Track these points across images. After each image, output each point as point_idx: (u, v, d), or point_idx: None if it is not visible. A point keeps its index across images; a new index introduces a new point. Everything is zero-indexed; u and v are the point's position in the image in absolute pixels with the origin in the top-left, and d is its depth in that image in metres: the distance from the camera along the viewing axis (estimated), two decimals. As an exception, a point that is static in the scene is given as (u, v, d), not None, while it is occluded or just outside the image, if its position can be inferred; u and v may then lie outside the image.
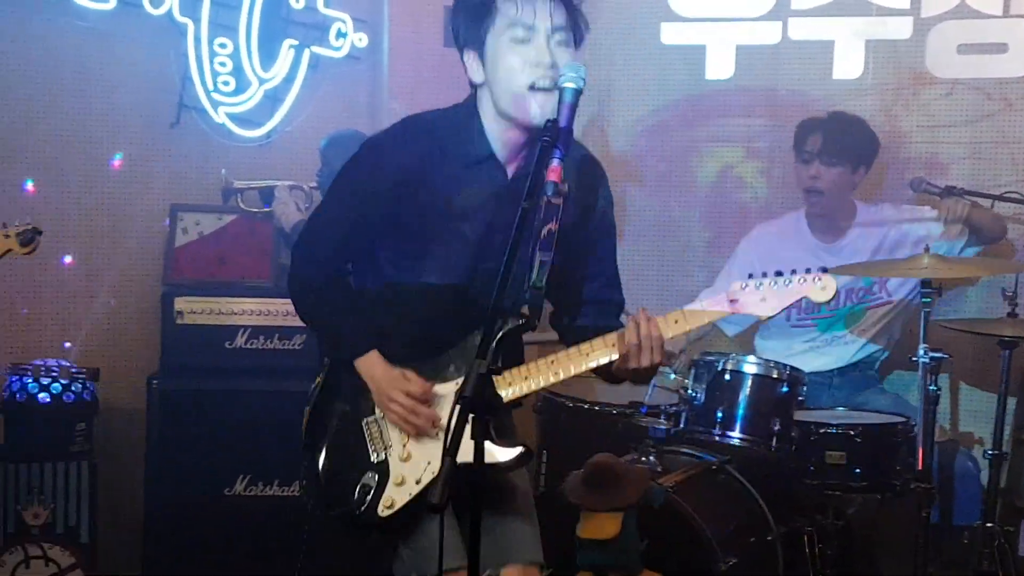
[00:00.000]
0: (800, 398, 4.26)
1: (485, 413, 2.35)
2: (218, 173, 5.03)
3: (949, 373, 5.13)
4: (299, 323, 4.68)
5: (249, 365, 4.86)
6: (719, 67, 5.51)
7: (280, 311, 4.89)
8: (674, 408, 4.33)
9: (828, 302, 2.94)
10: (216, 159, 5.14)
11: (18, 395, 4.66)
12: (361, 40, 5.40)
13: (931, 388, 4.07)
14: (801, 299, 2.86)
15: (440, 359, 2.99)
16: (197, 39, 5.09)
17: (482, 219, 2.97)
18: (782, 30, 5.43)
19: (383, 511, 2.93)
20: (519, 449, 2.88)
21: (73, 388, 4.70)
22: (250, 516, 4.81)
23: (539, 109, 2.83)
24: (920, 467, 4.06)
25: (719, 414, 4.21)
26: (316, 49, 5.32)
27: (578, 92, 2.64)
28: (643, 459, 4.22)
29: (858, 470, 4.25)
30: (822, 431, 4.27)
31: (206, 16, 5.09)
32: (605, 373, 2.95)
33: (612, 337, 2.86)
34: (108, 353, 5.14)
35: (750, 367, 4.24)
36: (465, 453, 2.36)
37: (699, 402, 4.24)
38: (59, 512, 4.65)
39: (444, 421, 2.85)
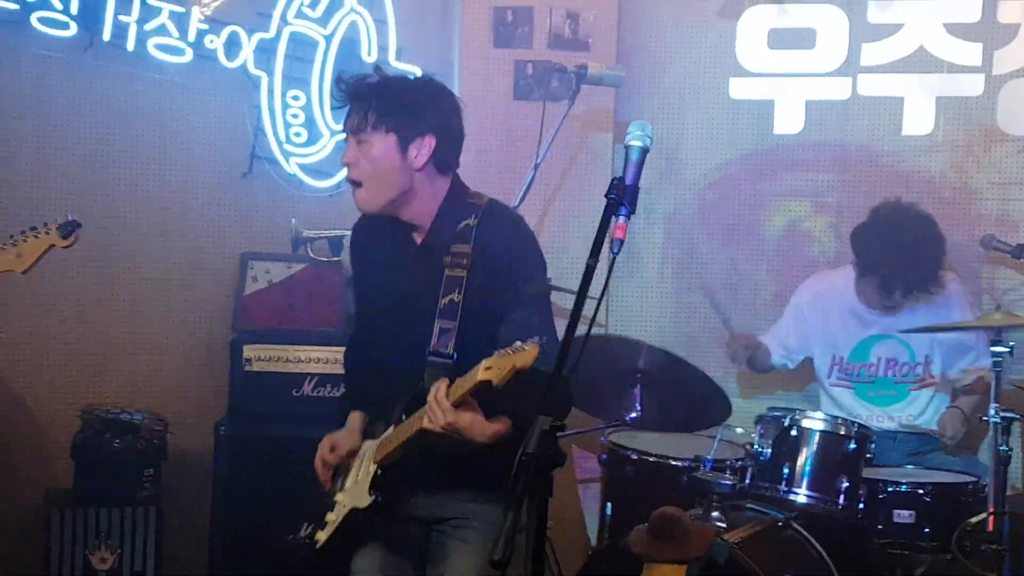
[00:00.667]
0: (868, 455, 4.21)
1: (548, 468, 2.35)
2: (288, 223, 5.10)
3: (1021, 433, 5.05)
4: None
5: (316, 412, 4.87)
6: (788, 122, 5.51)
7: (346, 360, 4.91)
8: (740, 463, 4.30)
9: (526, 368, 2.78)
10: (287, 209, 5.21)
11: (89, 441, 4.72)
12: (432, 93, 5.44)
13: (1002, 448, 4.01)
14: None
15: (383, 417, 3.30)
16: (271, 91, 5.19)
17: (394, 293, 3.30)
18: (852, 86, 5.42)
19: (316, 544, 3.35)
20: (370, 498, 3.19)
21: (142, 435, 4.75)
22: (315, 563, 4.81)
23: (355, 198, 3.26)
24: (991, 528, 3.99)
25: (785, 470, 4.17)
26: (388, 101, 5.37)
27: (644, 150, 2.65)
28: (708, 514, 4.18)
29: (927, 529, 4.18)
30: (890, 489, 4.21)
31: (279, 69, 5.19)
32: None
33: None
34: (177, 399, 5.21)
35: (817, 423, 4.20)
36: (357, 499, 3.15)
37: (765, 457, 4.21)
38: (126, 557, 4.69)
39: (352, 472, 3.31)
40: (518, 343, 2.78)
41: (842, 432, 4.18)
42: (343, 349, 4.80)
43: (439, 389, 2.93)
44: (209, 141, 5.24)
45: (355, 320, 3.58)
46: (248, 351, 4.90)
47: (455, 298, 3.11)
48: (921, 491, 4.20)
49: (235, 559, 4.80)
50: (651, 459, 4.54)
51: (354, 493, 3.26)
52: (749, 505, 4.35)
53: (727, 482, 4.21)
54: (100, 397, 5.03)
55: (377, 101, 3.16)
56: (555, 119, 4.93)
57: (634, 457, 4.56)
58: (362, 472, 3.26)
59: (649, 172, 5.45)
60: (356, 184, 3.22)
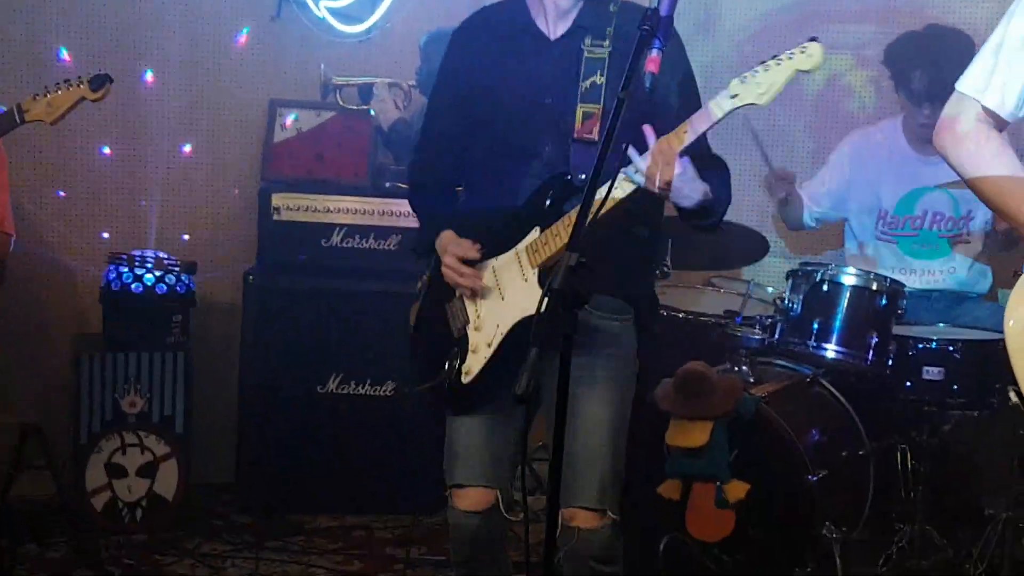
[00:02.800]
0: (899, 311, 4.14)
1: (574, 306, 2.31)
2: (318, 68, 5.02)
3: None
4: (395, 223, 4.78)
5: (344, 264, 4.87)
6: (831, -30, 5.35)
7: (376, 210, 4.88)
8: (770, 319, 4.26)
9: (815, 68, 2.84)
10: (316, 54, 5.13)
11: (114, 285, 4.72)
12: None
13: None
14: (794, 73, 2.81)
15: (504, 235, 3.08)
16: (301, -67, 5.07)
17: (516, 79, 3.06)
18: (897, -66, 5.25)
19: (465, 378, 3.06)
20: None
21: (168, 280, 4.74)
22: (341, 414, 4.85)
23: None
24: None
25: (815, 325, 4.11)
26: (419, -54, 5.27)
27: (681, -24, 2.55)
28: (736, 369, 4.17)
29: (956, 387, 4.13)
30: (920, 346, 4.15)
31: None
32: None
33: (638, 161, 2.83)
34: (206, 247, 5.20)
35: (849, 278, 4.13)
36: (530, 300, 2.67)
37: (795, 313, 4.15)
38: (155, 402, 4.72)
39: (486, 281, 3.05)
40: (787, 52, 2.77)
41: (874, 287, 4.11)
42: (372, 200, 4.86)
43: (664, 140, 2.79)
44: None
45: (446, 125, 3.21)
46: (277, 200, 4.86)
47: (597, 80, 2.97)
48: (951, 348, 4.14)
49: (263, 406, 4.84)
50: (680, 315, 4.52)
51: (514, 305, 2.99)
52: (778, 361, 4.34)
53: (756, 337, 4.20)
54: (129, 243, 5.02)
55: None
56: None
57: (664, 314, 4.53)
58: (512, 286, 3.02)
59: (686, 23, 5.33)
60: None
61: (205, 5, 5.12)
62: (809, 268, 4.21)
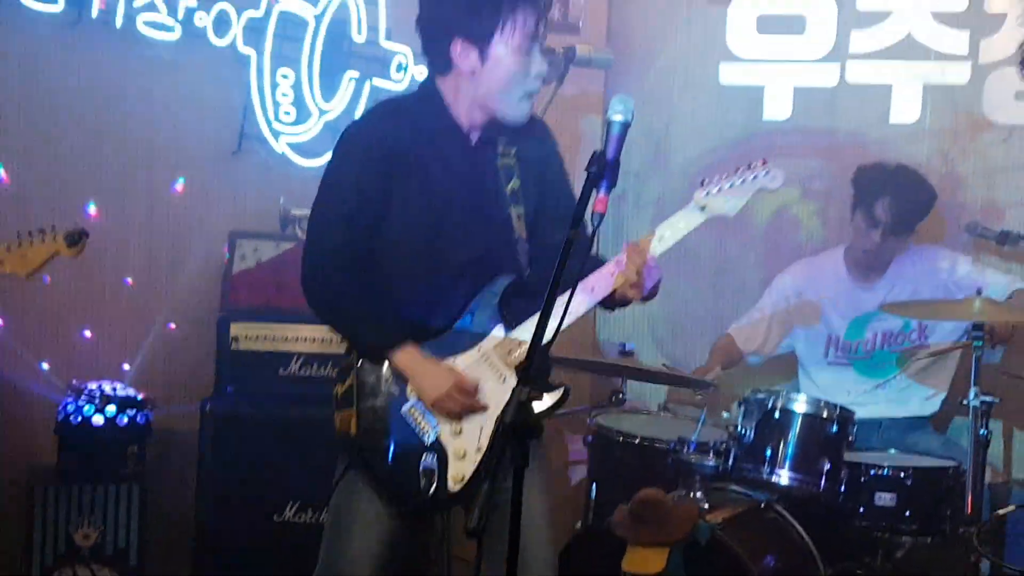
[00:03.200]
0: (850, 438, 4.22)
1: (526, 439, 2.36)
2: (277, 201, 5.09)
3: (1002, 419, 5.07)
4: None
5: (302, 392, 4.87)
6: (777, 108, 5.54)
7: (335, 339, 4.88)
8: (723, 445, 4.31)
9: (778, 189, 3.14)
10: (276, 187, 5.19)
11: (72, 417, 4.71)
12: (422, 73, 5.42)
13: (982, 432, 4.04)
14: (758, 190, 3.08)
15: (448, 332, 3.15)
16: (260, 70, 5.18)
17: (449, 184, 3.14)
18: (840, 73, 5.45)
19: (454, 486, 3.04)
20: (560, 391, 3.08)
21: (127, 412, 4.75)
22: (299, 542, 4.81)
23: (527, 111, 3.15)
24: (970, 511, 4.02)
25: (768, 452, 4.18)
26: (377, 82, 5.38)
27: (626, 125, 2.66)
28: (691, 495, 4.20)
29: (908, 512, 4.21)
30: (872, 472, 4.24)
31: (269, 47, 5.18)
32: (608, 301, 3.12)
33: (609, 267, 3.03)
34: (164, 376, 5.20)
35: (800, 406, 4.21)
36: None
37: (748, 439, 4.22)
38: (109, 534, 4.68)
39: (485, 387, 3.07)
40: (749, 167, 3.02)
41: (825, 414, 4.19)
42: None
43: (642, 248, 3.00)
44: (198, 119, 5.22)
45: (385, 226, 3.17)
46: (235, 329, 4.88)
47: (515, 184, 3.16)
48: (903, 474, 4.23)
49: (220, 538, 4.79)
50: (636, 440, 4.57)
51: (499, 405, 2.87)
52: (732, 487, 4.37)
53: (710, 464, 4.24)
54: (86, 373, 5.02)
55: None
56: (544, 100, 4.93)
57: (619, 439, 4.58)
58: (487, 388, 3.06)
59: (638, 157, 5.52)
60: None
61: (164, 138, 5.20)
62: (760, 396, 4.28)
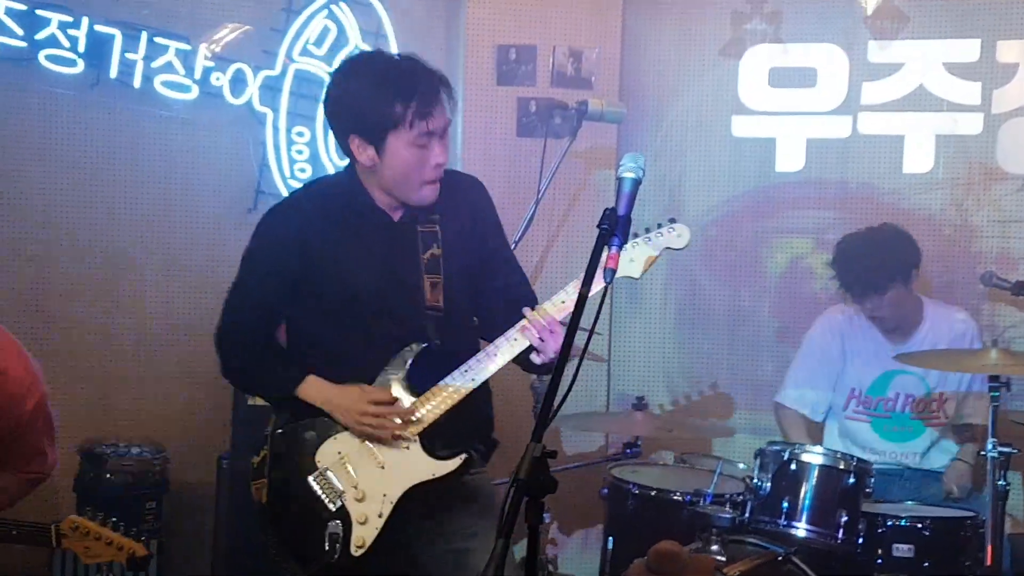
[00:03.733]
0: (868, 490, 4.20)
1: (540, 495, 2.36)
2: (292, 258, 5.12)
3: (1021, 470, 5.05)
4: None
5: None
6: (789, 160, 5.55)
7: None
8: (740, 497, 4.29)
9: (685, 248, 3.26)
10: (290, 244, 5.23)
11: (89, 475, 4.75)
12: (434, 130, 5.49)
13: (1000, 484, 4.02)
14: (662, 251, 3.20)
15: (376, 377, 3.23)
16: (275, 128, 5.25)
17: (366, 259, 3.24)
18: (852, 124, 5.47)
19: (356, 551, 3.14)
20: (460, 458, 3.17)
21: (143, 469, 4.77)
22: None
23: (431, 194, 3.23)
24: (989, 562, 3.99)
25: (785, 504, 4.17)
26: (392, 138, 5.42)
27: (637, 182, 2.67)
28: (708, 547, 4.17)
29: (926, 563, 4.18)
30: (890, 523, 4.20)
31: (285, 106, 5.25)
32: (523, 363, 3.22)
33: (513, 332, 3.14)
34: (180, 433, 5.23)
35: (816, 457, 4.19)
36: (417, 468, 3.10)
37: (765, 491, 4.20)
38: (129, 589, 4.69)
39: (385, 455, 3.16)
40: (660, 227, 3.21)
41: (841, 466, 4.17)
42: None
43: (542, 313, 3.10)
44: (214, 177, 5.29)
45: (270, 294, 3.31)
46: (251, 385, 4.90)
47: (435, 252, 3.25)
48: (920, 525, 4.20)
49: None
50: (652, 492, 4.56)
51: (401, 472, 3.15)
52: (749, 539, 4.34)
53: (727, 515, 4.20)
54: (103, 431, 5.05)
55: (447, 91, 3.23)
56: (557, 155, 4.98)
57: (635, 491, 4.57)
58: (389, 454, 3.16)
59: (652, 208, 5.54)
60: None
61: (180, 195, 5.27)
62: (776, 447, 4.27)
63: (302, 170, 5.29)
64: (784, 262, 5.58)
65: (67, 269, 5.11)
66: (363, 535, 3.14)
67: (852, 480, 4.16)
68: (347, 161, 3.33)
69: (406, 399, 3.20)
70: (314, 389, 3.22)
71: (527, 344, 3.14)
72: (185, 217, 5.28)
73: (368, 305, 3.24)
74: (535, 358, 3.17)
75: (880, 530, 4.20)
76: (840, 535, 4.12)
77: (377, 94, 3.13)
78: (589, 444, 5.34)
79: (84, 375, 5.15)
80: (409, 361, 3.21)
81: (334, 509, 3.17)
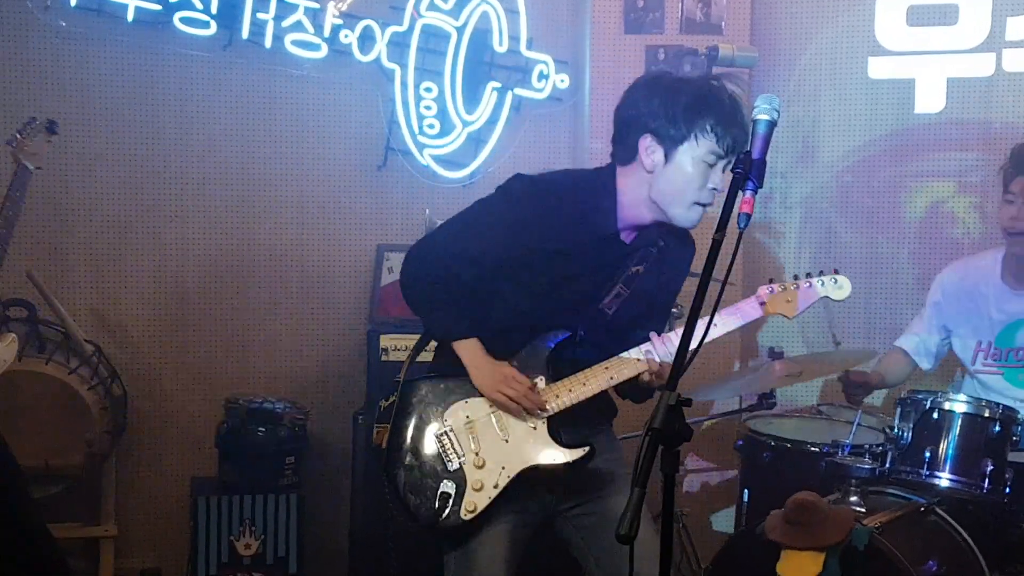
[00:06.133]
0: (1015, 438, 4.07)
1: (675, 444, 2.33)
2: (423, 214, 5.15)
3: None
4: None
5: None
6: (929, 100, 5.37)
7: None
8: (879, 447, 4.20)
9: (845, 299, 3.22)
10: (421, 200, 5.27)
11: (232, 431, 4.84)
12: (563, 81, 5.46)
13: None
14: (822, 298, 3.14)
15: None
16: (404, 84, 5.25)
17: (577, 267, 3.27)
18: (996, 62, 5.26)
19: (466, 515, 3.17)
20: (584, 450, 3.20)
21: (284, 424, 4.85)
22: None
23: (696, 220, 3.23)
24: None
25: (927, 454, 4.06)
26: (519, 91, 5.41)
27: (772, 124, 2.61)
28: (847, 499, 4.10)
29: (1079, 514, 4.04)
30: (1039, 473, 4.08)
31: (412, 62, 5.24)
32: (627, 389, 3.31)
33: (637, 353, 3.20)
34: (317, 389, 5.31)
35: (959, 405, 4.07)
36: (537, 450, 3.15)
37: (906, 441, 4.10)
38: (269, 543, 4.79)
39: (512, 430, 3.21)
40: (816, 277, 3.23)
41: (986, 414, 4.05)
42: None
43: (669, 342, 3.16)
44: (345, 135, 5.33)
45: (492, 257, 3.28)
46: (384, 341, 4.95)
47: (639, 269, 3.28)
48: (1071, 474, 4.06)
49: (375, 545, 4.86)
50: (788, 444, 4.49)
51: (522, 451, 3.20)
52: (890, 490, 4.25)
53: (866, 466, 4.13)
54: (242, 388, 5.15)
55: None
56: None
57: (771, 443, 4.51)
58: (517, 429, 3.20)
59: (785, 155, 5.41)
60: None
61: (312, 154, 5.32)
62: (919, 396, 4.16)
63: (431, 126, 5.29)
64: (924, 207, 5.42)
65: (202, 228, 5.20)
66: (475, 501, 3.18)
67: (998, 428, 4.03)
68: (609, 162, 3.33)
69: (540, 382, 3.23)
70: (470, 350, 3.24)
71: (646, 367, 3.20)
72: (317, 174, 5.33)
73: (555, 287, 3.27)
74: (645, 377, 3.21)
75: (1029, 480, 4.07)
76: (986, 485, 4.00)
77: (689, 103, 3.15)
78: (724, 397, 5.27)
79: (221, 332, 5.25)
80: (550, 348, 3.25)
81: (452, 469, 3.21)
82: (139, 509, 5.13)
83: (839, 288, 3.19)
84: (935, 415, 4.08)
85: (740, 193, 2.54)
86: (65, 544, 4.07)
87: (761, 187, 2.58)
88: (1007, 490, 4.02)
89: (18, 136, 4.20)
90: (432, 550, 3.45)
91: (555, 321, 3.27)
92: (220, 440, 4.88)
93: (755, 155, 2.57)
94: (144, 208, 5.15)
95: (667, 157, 3.17)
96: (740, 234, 2.51)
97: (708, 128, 3.12)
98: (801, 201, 5.54)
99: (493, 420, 3.23)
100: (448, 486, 3.19)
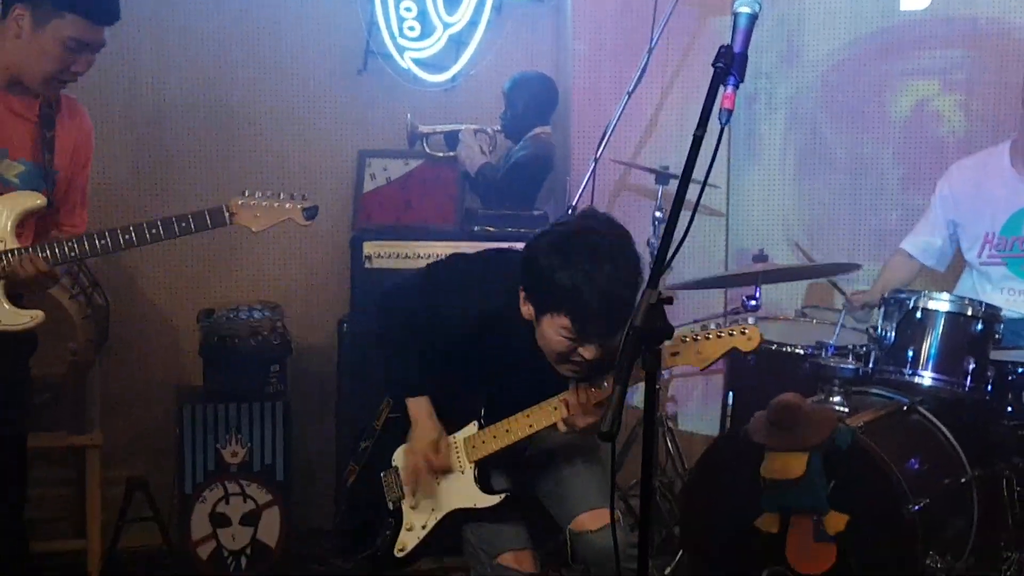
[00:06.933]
0: (997, 336, 4.08)
1: (656, 342, 2.32)
2: (404, 118, 5.10)
3: None
4: None
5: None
6: (915, -3, 5.31)
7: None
8: (863, 348, 4.21)
9: (752, 352, 3.10)
10: (402, 104, 5.20)
11: (214, 340, 4.82)
12: (541, -17, 5.39)
13: None
14: (730, 350, 3.03)
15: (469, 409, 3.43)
16: (383, -14, 5.16)
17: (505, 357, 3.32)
18: (980, -43, 5.19)
19: (397, 553, 3.42)
20: (497, 497, 3.35)
21: (265, 331, 4.83)
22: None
23: (568, 374, 3.18)
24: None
25: (910, 353, 4.07)
26: (498, -10, 5.33)
27: (753, 17, 2.54)
28: (830, 400, 4.12)
29: (1060, 410, 4.06)
30: (1020, 370, 4.08)
31: (393, -38, 5.15)
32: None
33: (554, 402, 3.23)
34: (301, 297, 5.29)
35: (942, 304, 4.07)
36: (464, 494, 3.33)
37: (889, 341, 4.11)
38: (255, 451, 4.79)
39: (452, 468, 3.39)
40: (727, 326, 3.06)
41: (969, 312, 4.05)
42: (461, 244, 4.88)
43: (582, 396, 3.14)
44: (324, 38, 5.25)
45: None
46: (368, 248, 4.93)
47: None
48: (1053, 371, 4.07)
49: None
50: (772, 347, 4.49)
51: (450, 494, 3.38)
52: (873, 390, 4.28)
53: (849, 367, 4.14)
54: (225, 296, 5.13)
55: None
56: (670, 2, 4.83)
57: (755, 345, 4.50)
58: (450, 475, 3.39)
59: (769, 55, 5.33)
60: None
61: (291, 58, 5.23)
62: (901, 295, 4.16)
63: (411, 28, 5.22)
64: (909, 106, 5.36)
65: (177, 127, 5.15)
66: (406, 540, 3.42)
67: (980, 327, 4.04)
68: None
69: (473, 427, 3.39)
70: (417, 406, 3.42)
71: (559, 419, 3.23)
72: (297, 79, 5.26)
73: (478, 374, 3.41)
74: (560, 426, 3.24)
75: (1010, 378, 4.09)
76: (968, 383, 4.02)
77: (558, 285, 3.07)
78: (707, 301, 5.27)
79: (201, 240, 5.18)
80: (481, 405, 3.40)
81: (391, 508, 3.46)
82: (124, 418, 5.12)
83: (748, 340, 3.07)
84: (918, 315, 4.09)
85: (721, 88, 2.49)
86: (51, 454, 4.07)
87: (743, 82, 2.53)
88: (988, 388, 4.05)
89: None
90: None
91: (483, 385, 3.41)
92: (203, 349, 4.87)
93: (736, 49, 2.51)
94: (120, 111, 5.08)
95: (536, 317, 3.15)
96: (721, 131, 2.46)
97: (567, 313, 3.06)
98: (786, 101, 5.48)
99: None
100: (388, 524, 3.46)
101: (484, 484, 3.35)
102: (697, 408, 5.50)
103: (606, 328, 3.02)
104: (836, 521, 3.80)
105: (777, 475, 3.86)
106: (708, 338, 3.01)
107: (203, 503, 4.75)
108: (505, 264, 3.33)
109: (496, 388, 3.36)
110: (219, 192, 5.16)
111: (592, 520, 3.30)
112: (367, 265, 4.93)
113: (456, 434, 3.41)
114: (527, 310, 3.17)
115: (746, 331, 3.00)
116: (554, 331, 3.09)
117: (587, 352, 3.09)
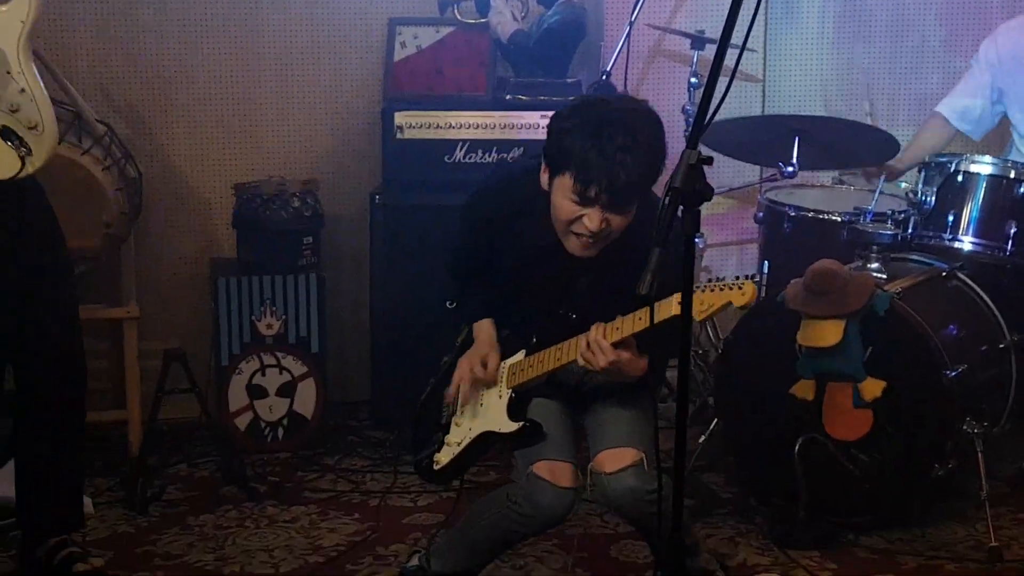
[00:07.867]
0: (1041, 199, 4.02)
1: (695, 203, 2.29)
2: (432, -17, 5.00)
3: None
4: (517, 135, 4.78)
5: (468, 178, 4.82)
6: None
7: (498, 124, 4.85)
8: (903, 213, 4.16)
9: (744, 307, 3.05)
10: (432, -31, 5.09)
11: (247, 212, 4.81)
12: None
13: None
14: (725, 304, 2.99)
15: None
16: None
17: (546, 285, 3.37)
18: None
19: (435, 465, 3.48)
20: (517, 424, 3.31)
21: (297, 203, 4.82)
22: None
23: (573, 246, 3.16)
24: None
25: (950, 218, 4.03)
26: None
27: None
28: (868, 266, 4.08)
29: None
30: (1065, 233, 4.03)
31: None
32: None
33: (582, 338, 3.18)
34: (332, 169, 5.23)
35: (984, 167, 4.02)
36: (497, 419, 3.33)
37: (929, 206, 4.07)
38: (291, 323, 4.81)
39: (488, 396, 3.41)
40: (726, 279, 3.02)
41: (1012, 175, 3.99)
42: (493, 113, 4.84)
43: (598, 332, 3.09)
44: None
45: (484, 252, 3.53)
46: (399, 118, 4.85)
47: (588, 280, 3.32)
48: (1097, 234, 4.01)
49: (395, 323, 4.89)
50: (808, 214, 4.45)
51: (486, 416, 3.40)
52: (912, 256, 4.24)
53: (888, 233, 4.10)
54: (255, 168, 5.09)
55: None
56: None
57: (791, 213, 4.47)
58: (491, 396, 3.41)
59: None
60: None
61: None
62: (942, 159, 4.10)
63: None
64: (952, -33, 5.24)
65: (208, 5, 5.07)
66: (442, 456, 3.47)
67: (1023, 190, 3.98)
68: None
69: (520, 355, 3.39)
70: (478, 328, 3.52)
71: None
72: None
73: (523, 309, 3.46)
74: (580, 361, 3.19)
75: (1054, 241, 4.03)
76: (1009, 247, 3.99)
77: (570, 140, 3.06)
78: (743, 169, 5.20)
79: (232, 112, 5.17)
80: (533, 332, 3.39)
81: (442, 422, 3.51)
82: (160, 291, 5.13)
83: (742, 294, 3.02)
84: (959, 178, 4.04)
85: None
86: (87, 326, 4.08)
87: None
88: (1030, 252, 3.99)
89: None
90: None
91: (528, 324, 3.42)
92: (236, 222, 4.86)
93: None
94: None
95: (549, 183, 3.14)
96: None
97: (572, 172, 3.03)
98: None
99: (479, 386, 3.45)
100: (437, 437, 3.50)
101: (512, 411, 3.36)
102: (732, 278, 5.45)
103: (609, 194, 3.00)
104: (873, 387, 3.80)
105: (813, 342, 3.85)
106: (703, 291, 3.01)
107: (240, 375, 4.80)
108: (527, 171, 3.36)
109: (549, 321, 3.35)
110: (247, 62, 5.14)
111: (610, 461, 3.23)
112: (398, 136, 4.86)
113: (506, 360, 3.43)
114: (544, 179, 3.16)
115: (742, 286, 3.00)
116: (561, 195, 3.08)
117: (590, 221, 3.06)
